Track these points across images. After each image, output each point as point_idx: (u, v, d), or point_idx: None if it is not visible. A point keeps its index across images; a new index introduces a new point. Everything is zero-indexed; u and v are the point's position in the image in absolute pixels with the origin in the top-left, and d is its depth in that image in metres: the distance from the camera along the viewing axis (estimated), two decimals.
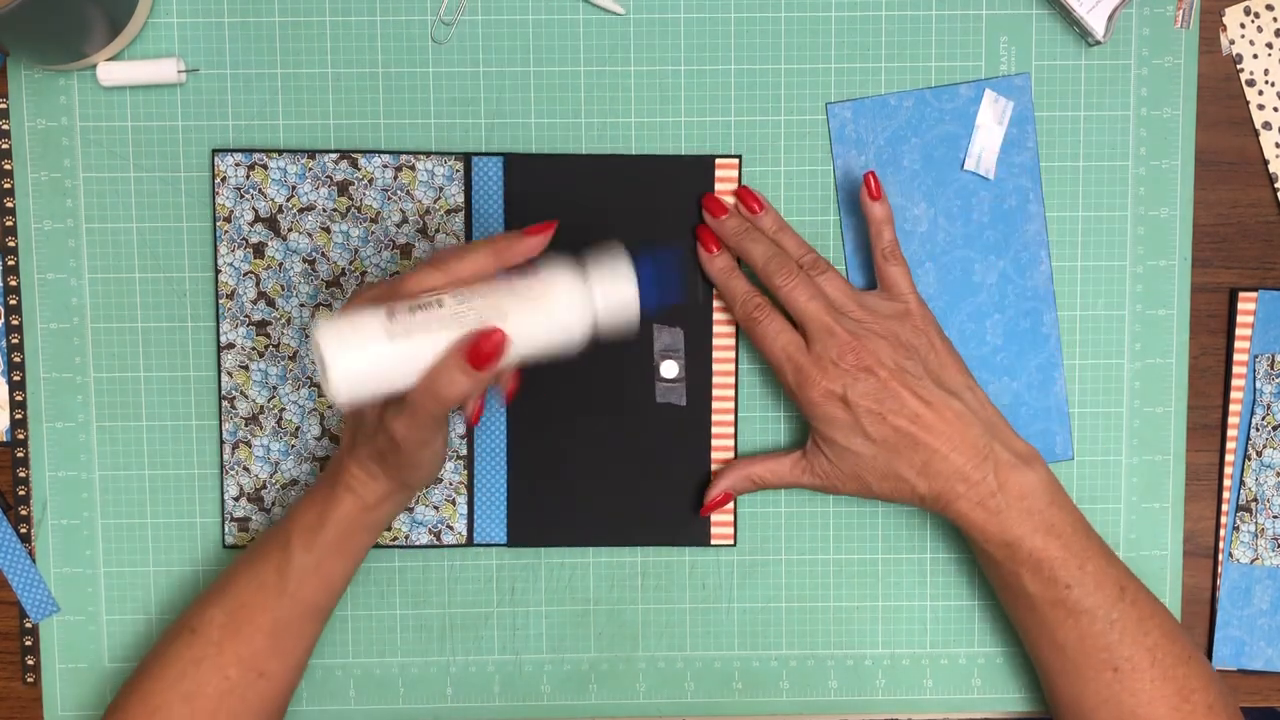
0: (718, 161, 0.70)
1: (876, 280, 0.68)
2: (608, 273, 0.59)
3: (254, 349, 0.70)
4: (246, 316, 0.70)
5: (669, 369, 0.71)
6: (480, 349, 0.56)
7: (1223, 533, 0.72)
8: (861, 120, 0.70)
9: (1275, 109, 0.71)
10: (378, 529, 0.66)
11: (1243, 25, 0.70)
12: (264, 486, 0.71)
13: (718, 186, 0.70)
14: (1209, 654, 0.73)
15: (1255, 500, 0.72)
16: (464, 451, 0.71)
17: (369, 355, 0.56)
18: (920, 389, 0.64)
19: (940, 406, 0.64)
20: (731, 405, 0.71)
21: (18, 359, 0.70)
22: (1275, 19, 0.70)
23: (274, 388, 0.70)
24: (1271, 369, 0.71)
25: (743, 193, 0.69)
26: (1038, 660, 0.67)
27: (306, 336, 0.70)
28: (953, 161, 0.70)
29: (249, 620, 0.63)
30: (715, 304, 0.70)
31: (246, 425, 0.70)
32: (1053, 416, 0.71)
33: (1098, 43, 0.69)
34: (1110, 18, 0.68)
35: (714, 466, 0.71)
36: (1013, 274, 0.70)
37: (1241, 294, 0.71)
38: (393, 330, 0.56)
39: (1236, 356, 0.71)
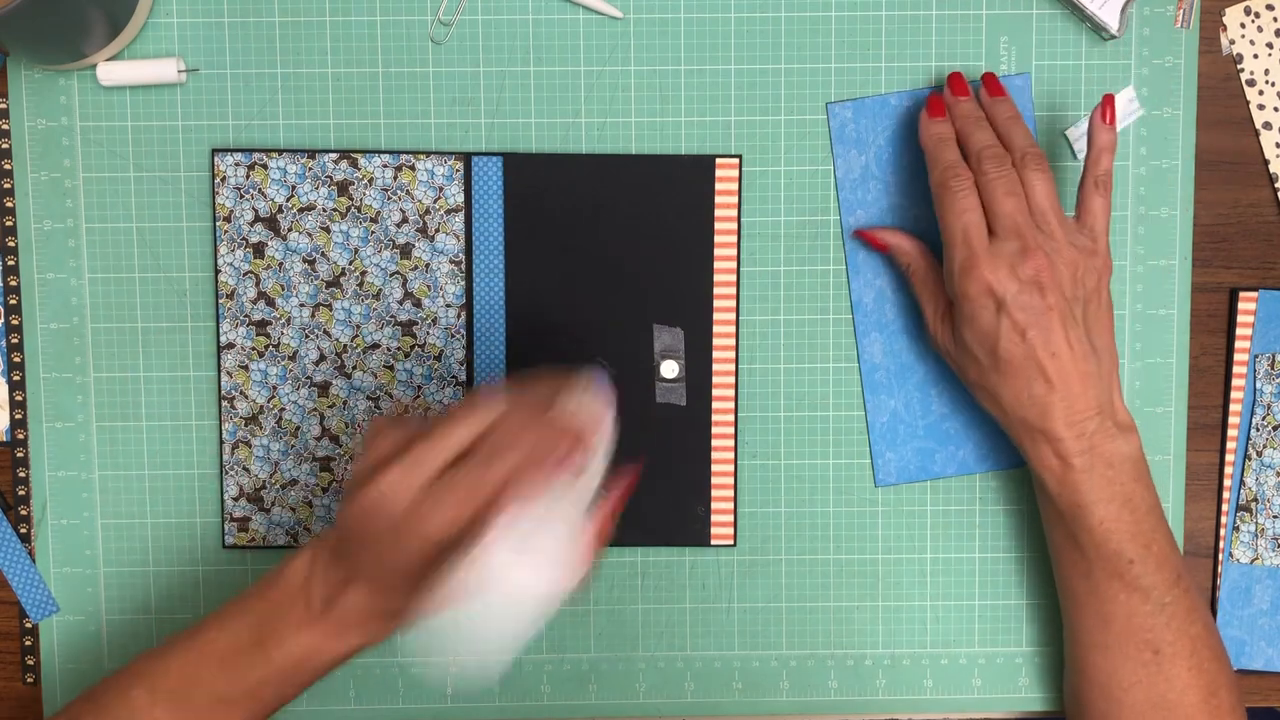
0: (718, 161, 0.70)
1: (1077, 207, 0.65)
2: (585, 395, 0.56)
3: (254, 349, 0.70)
4: (246, 316, 0.70)
5: (669, 369, 0.71)
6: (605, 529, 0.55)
7: (1223, 533, 0.72)
8: (862, 120, 0.70)
9: (1275, 109, 0.71)
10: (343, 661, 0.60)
11: (1243, 25, 0.70)
12: (264, 486, 0.71)
13: (718, 186, 0.70)
14: None
15: (1255, 500, 0.72)
16: None
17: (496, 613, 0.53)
18: (1072, 332, 0.62)
19: (1080, 358, 0.62)
20: (731, 405, 0.71)
21: (18, 359, 0.70)
22: (1275, 19, 0.70)
23: (274, 388, 0.70)
24: (1271, 369, 0.71)
25: (988, 78, 0.67)
26: (1075, 628, 0.66)
27: (307, 338, 0.70)
28: None
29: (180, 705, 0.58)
30: (715, 304, 0.70)
31: (246, 425, 0.70)
32: None
33: (1112, 37, 0.69)
34: (1123, 12, 0.68)
35: (714, 466, 0.71)
36: None
37: (1241, 294, 0.71)
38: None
39: (1236, 356, 0.71)
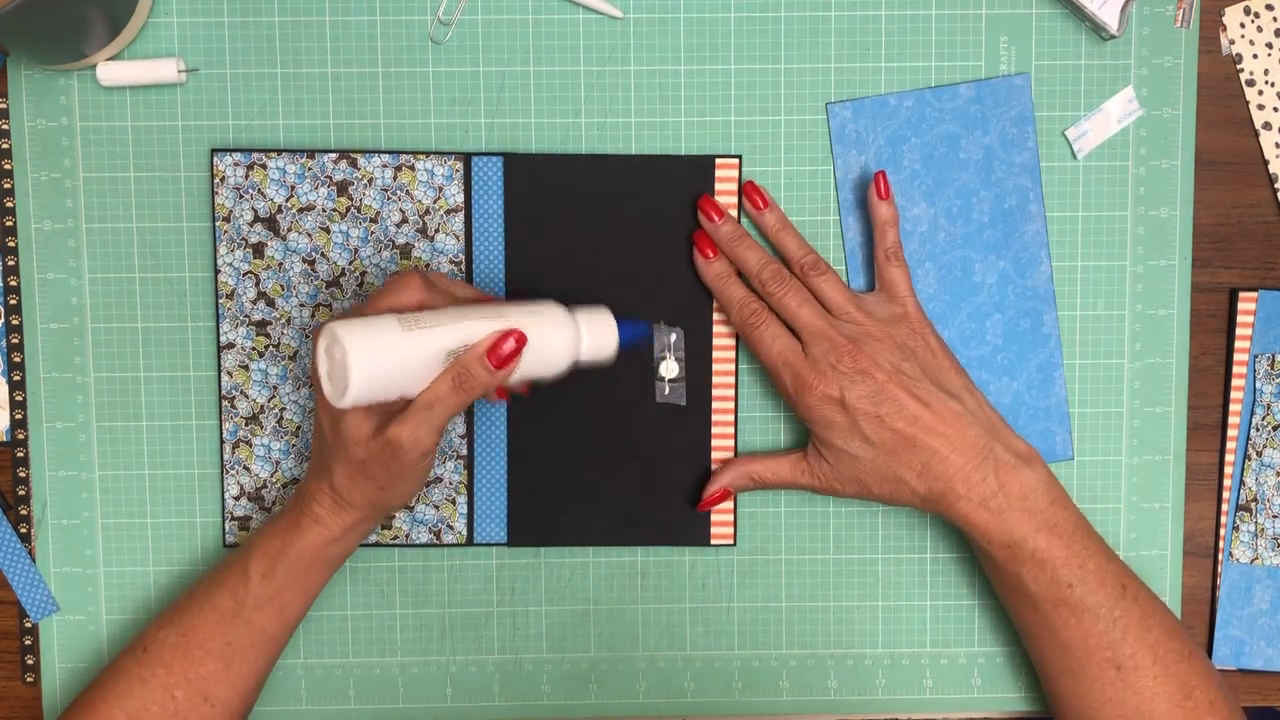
0: (718, 161, 0.70)
1: (876, 280, 0.68)
2: (594, 314, 0.64)
3: (254, 349, 0.70)
4: (246, 316, 0.70)
5: (669, 369, 0.71)
6: (501, 348, 0.58)
7: (1223, 532, 0.72)
8: (862, 120, 0.70)
9: (1275, 109, 0.71)
10: (338, 562, 0.66)
11: (1243, 25, 0.70)
12: (264, 486, 0.71)
13: (718, 186, 0.70)
14: (1209, 653, 0.73)
15: (1255, 500, 0.72)
16: (464, 451, 0.71)
17: (388, 351, 0.57)
18: (918, 390, 0.64)
19: (939, 407, 0.64)
20: (731, 405, 0.71)
21: (18, 359, 0.70)
22: (1275, 19, 0.70)
23: (274, 387, 0.70)
24: (1271, 369, 0.71)
25: (749, 188, 0.69)
26: (1040, 661, 0.67)
27: (307, 338, 0.70)
28: (953, 161, 0.70)
29: (200, 644, 0.63)
30: (715, 304, 0.70)
31: (247, 425, 0.70)
32: (1053, 416, 0.71)
33: (1112, 37, 0.69)
34: (1123, 11, 0.68)
35: (714, 466, 0.71)
36: (1013, 274, 0.70)
37: (1241, 294, 0.71)
38: (407, 326, 0.58)
39: (1236, 356, 0.71)
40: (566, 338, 0.62)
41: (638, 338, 0.67)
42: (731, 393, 0.71)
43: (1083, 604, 0.63)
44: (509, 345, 0.59)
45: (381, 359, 0.57)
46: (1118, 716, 0.63)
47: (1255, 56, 0.70)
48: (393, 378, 0.58)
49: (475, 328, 0.59)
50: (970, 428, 0.64)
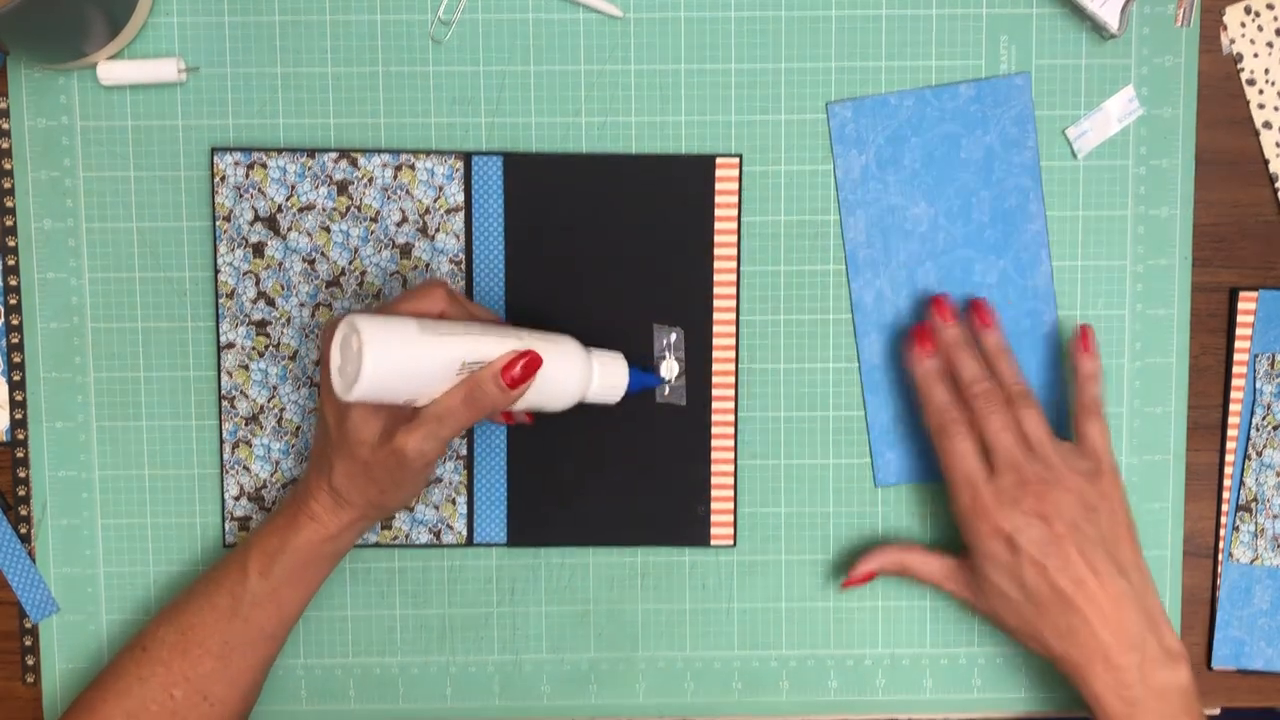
0: (718, 161, 0.70)
1: (1073, 432, 0.67)
2: (609, 357, 0.65)
3: (254, 349, 0.70)
4: (246, 316, 0.70)
5: (669, 369, 0.71)
6: (515, 368, 0.59)
7: (1223, 533, 0.72)
8: (862, 119, 0.70)
9: (1275, 109, 0.71)
10: (336, 559, 0.66)
11: (1243, 24, 0.70)
12: (264, 486, 0.71)
13: (718, 186, 0.70)
14: (1208, 654, 0.73)
15: (1255, 500, 0.72)
16: (464, 451, 0.71)
17: (403, 350, 0.57)
18: (1091, 554, 0.62)
19: (1106, 579, 0.62)
20: (731, 405, 0.71)
21: (18, 359, 0.70)
22: (1275, 18, 0.70)
23: (274, 387, 0.70)
24: (1271, 369, 0.71)
25: (978, 305, 0.68)
26: None
27: (307, 338, 0.70)
28: (953, 161, 0.70)
29: (199, 642, 0.63)
30: (715, 304, 0.70)
31: (246, 425, 0.70)
32: (1054, 413, 0.71)
33: (1112, 37, 0.69)
34: (1123, 11, 0.68)
35: (714, 466, 0.71)
36: (1013, 274, 0.70)
37: (1241, 294, 0.71)
38: (425, 329, 0.58)
39: (1236, 356, 0.71)
40: (578, 373, 0.63)
41: (645, 386, 0.68)
42: (731, 393, 0.71)
43: None
44: (522, 367, 0.59)
45: (396, 356, 0.57)
46: None
47: (1255, 56, 0.71)
48: (404, 378, 0.58)
49: (492, 344, 0.60)
50: (1130, 611, 0.62)
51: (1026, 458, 0.64)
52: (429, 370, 0.58)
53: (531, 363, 0.59)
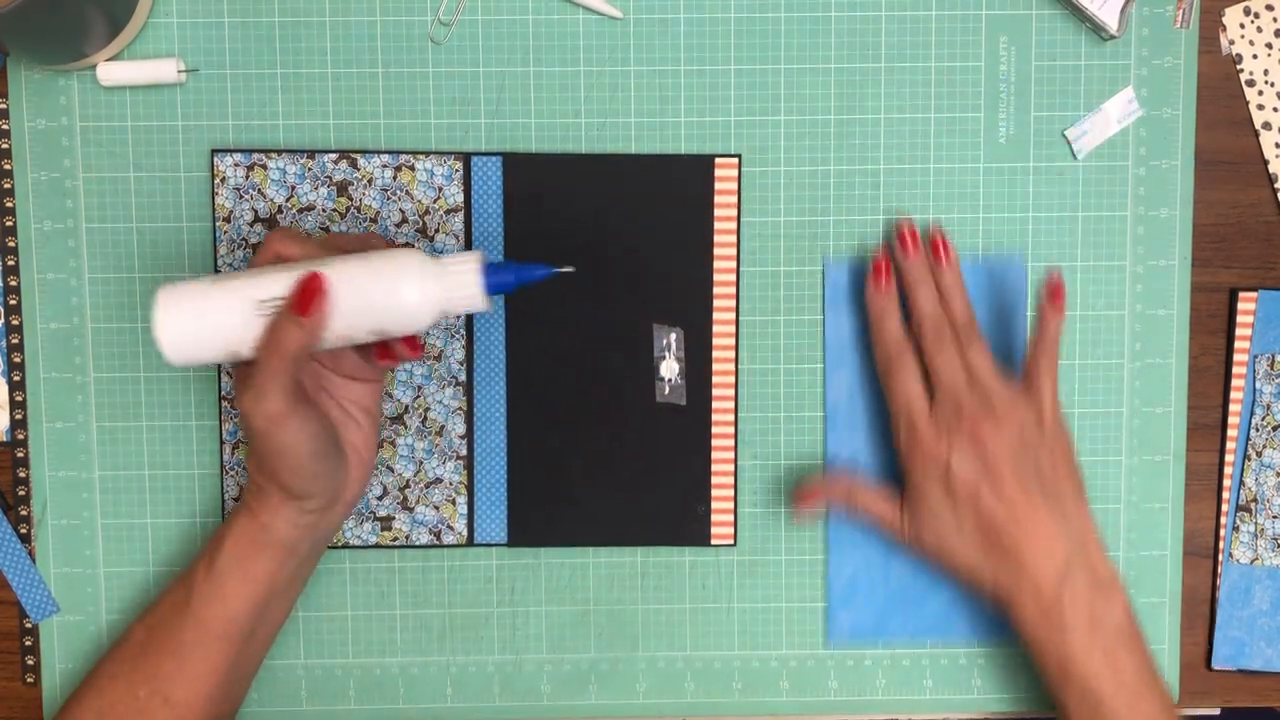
0: (718, 161, 0.70)
1: (1022, 372, 0.66)
2: (457, 258, 0.59)
3: None
4: None
5: (669, 369, 0.71)
6: (300, 293, 0.56)
7: (1223, 533, 0.72)
8: (856, 283, 0.70)
9: (1275, 109, 0.71)
10: (282, 554, 0.62)
11: (1243, 25, 0.70)
12: None
13: (718, 186, 0.70)
14: (1209, 654, 0.73)
15: (1255, 500, 0.72)
16: (464, 452, 0.71)
17: (195, 303, 0.56)
18: (1023, 479, 0.63)
19: (1036, 504, 0.63)
20: (731, 405, 0.71)
21: (18, 359, 0.70)
22: (1275, 19, 0.70)
23: None
24: (1271, 369, 0.71)
25: (937, 236, 0.68)
26: None
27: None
28: None
29: (160, 640, 0.63)
30: (715, 304, 0.70)
31: None
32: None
33: (1112, 37, 0.69)
34: (1123, 11, 0.68)
35: (714, 466, 0.71)
36: None
37: (1241, 294, 0.71)
38: (219, 280, 0.57)
39: (1236, 356, 0.71)
40: (417, 284, 0.57)
41: (523, 280, 0.60)
42: (731, 393, 0.71)
43: None
44: (302, 291, 0.56)
45: (188, 311, 0.56)
46: None
47: (1255, 56, 0.71)
48: (206, 332, 0.57)
49: (286, 278, 0.56)
50: (1059, 537, 0.63)
51: (969, 390, 0.64)
52: (229, 321, 0.56)
53: (309, 285, 0.56)
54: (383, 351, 0.61)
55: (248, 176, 0.69)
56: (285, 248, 0.59)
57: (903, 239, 0.68)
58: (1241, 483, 0.72)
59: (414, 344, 0.61)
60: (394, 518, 0.71)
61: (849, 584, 0.71)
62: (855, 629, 0.71)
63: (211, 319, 0.57)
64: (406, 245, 0.60)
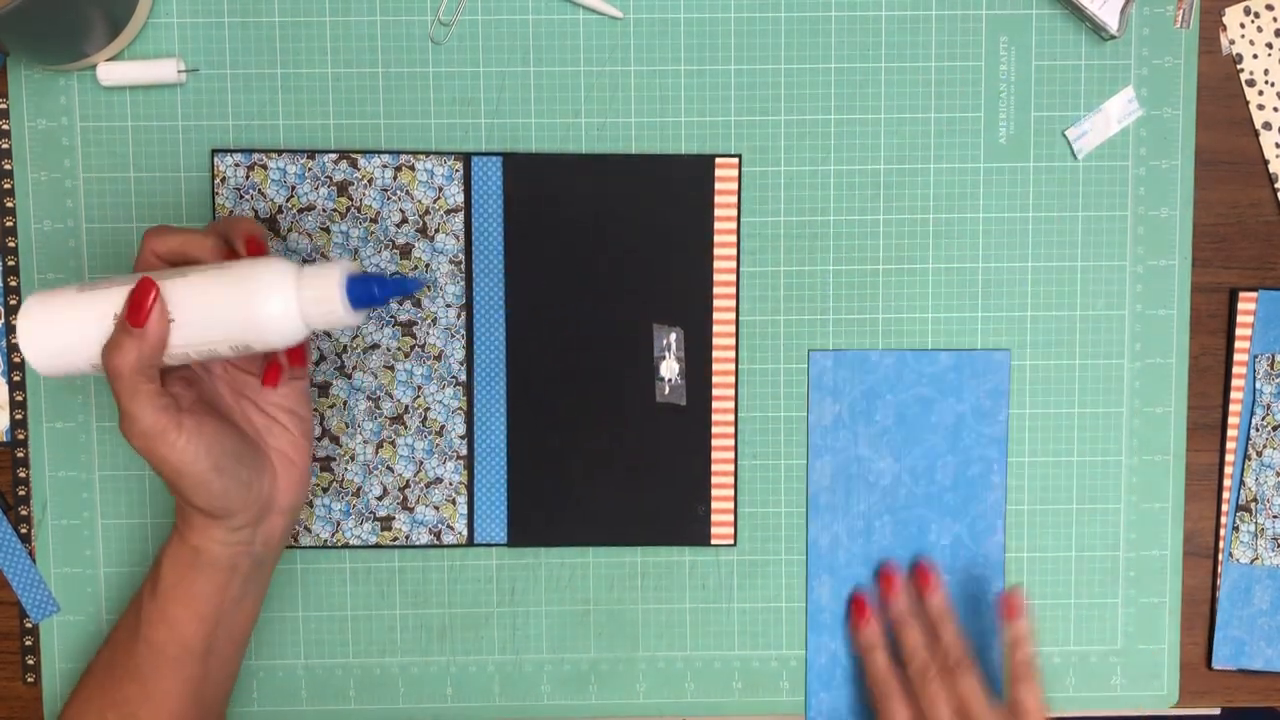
0: (718, 161, 0.70)
1: (1005, 692, 0.67)
2: (320, 269, 0.55)
3: None
4: None
5: (669, 369, 0.71)
6: (131, 302, 0.54)
7: (1223, 533, 0.72)
8: (841, 371, 0.70)
9: (1275, 109, 0.71)
10: (221, 575, 0.60)
11: (1243, 25, 0.70)
12: None
13: (718, 186, 0.70)
14: (1209, 654, 0.73)
15: (1255, 500, 0.72)
16: (464, 452, 0.71)
17: (58, 313, 0.55)
18: None
19: None
20: (731, 405, 0.71)
21: (18, 359, 0.70)
22: (1275, 19, 0.70)
23: None
24: (1271, 369, 0.71)
25: (923, 569, 0.70)
26: None
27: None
28: (924, 423, 0.71)
29: (121, 663, 0.62)
30: (715, 304, 0.70)
31: None
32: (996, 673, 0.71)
33: (1112, 37, 0.69)
34: (1123, 11, 0.68)
35: (714, 466, 0.71)
36: (967, 539, 0.71)
37: (1241, 294, 0.71)
38: (84, 289, 0.56)
39: (1236, 356, 0.71)
40: (281, 296, 0.54)
41: (388, 293, 0.56)
42: (731, 393, 0.71)
43: None
44: (133, 302, 0.53)
45: (50, 321, 0.55)
46: None
47: (1255, 56, 0.71)
48: (70, 344, 0.55)
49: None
50: None
51: None
52: (88, 333, 0.55)
53: (140, 293, 0.53)
54: (270, 371, 0.60)
55: (248, 177, 0.69)
56: (160, 244, 0.57)
57: (886, 581, 0.70)
58: (1241, 483, 0.72)
59: (297, 355, 0.59)
60: (394, 518, 0.71)
61: (829, 665, 0.72)
62: (834, 711, 0.72)
63: (73, 330, 0.55)
64: (280, 256, 0.57)
